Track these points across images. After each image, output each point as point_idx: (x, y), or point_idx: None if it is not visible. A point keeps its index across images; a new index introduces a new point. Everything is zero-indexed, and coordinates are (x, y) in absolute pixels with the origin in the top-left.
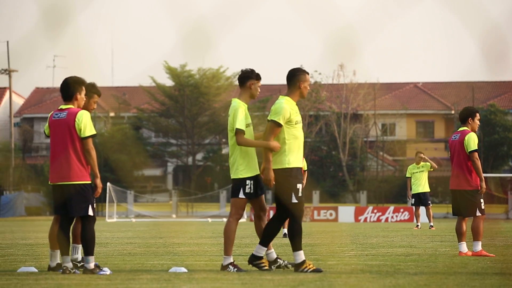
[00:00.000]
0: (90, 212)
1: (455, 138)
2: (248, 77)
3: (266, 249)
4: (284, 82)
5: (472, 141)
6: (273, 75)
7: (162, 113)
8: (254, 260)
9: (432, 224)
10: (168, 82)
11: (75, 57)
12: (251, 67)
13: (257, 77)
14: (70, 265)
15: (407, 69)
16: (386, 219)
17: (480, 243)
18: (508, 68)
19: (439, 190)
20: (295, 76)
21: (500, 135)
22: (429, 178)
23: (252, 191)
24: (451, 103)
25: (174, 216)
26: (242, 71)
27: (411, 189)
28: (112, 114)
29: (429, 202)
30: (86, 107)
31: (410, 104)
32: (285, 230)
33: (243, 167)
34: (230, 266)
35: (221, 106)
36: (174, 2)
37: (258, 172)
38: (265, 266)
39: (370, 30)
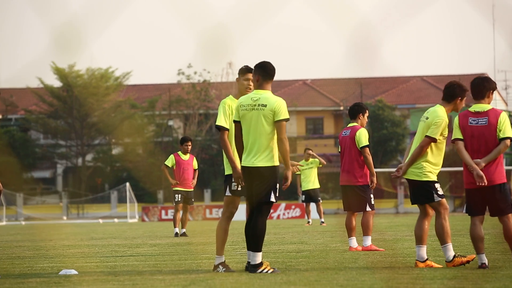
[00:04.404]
0: None
1: (345, 134)
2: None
3: (260, 253)
4: (170, 81)
5: (363, 136)
6: (159, 74)
7: (50, 115)
8: (255, 268)
9: (323, 220)
10: (56, 83)
11: None
12: (134, 66)
13: (242, 71)
14: None
15: (295, 67)
16: (278, 216)
17: (370, 237)
18: (379, 63)
19: (329, 186)
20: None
21: (388, 130)
22: (319, 174)
23: (239, 188)
24: (339, 99)
25: (64, 218)
26: None
27: (301, 185)
28: None
29: (319, 198)
30: None
31: (299, 101)
32: (184, 230)
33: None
34: (220, 266)
35: (110, 106)
36: (46, 3)
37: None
38: (270, 269)
39: (247, 27)
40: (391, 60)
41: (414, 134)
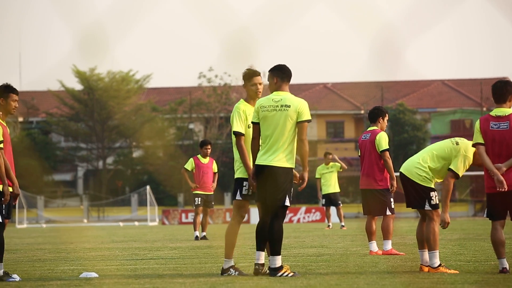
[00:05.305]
0: None
1: (365, 138)
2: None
3: (279, 256)
4: (191, 84)
5: (383, 140)
6: (182, 77)
7: (71, 117)
8: (275, 272)
9: (343, 224)
10: (77, 86)
11: None
12: (155, 69)
13: (248, 77)
14: None
15: (316, 70)
16: (298, 220)
17: (390, 242)
18: (402, 67)
19: (349, 190)
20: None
21: (409, 134)
22: (339, 178)
23: (250, 193)
24: (360, 103)
25: (85, 221)
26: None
27: (321, 189)
28: (20, 119)
29: (339, 202)
30: (6, 109)
31: (320, 105)
32: (204, 233)
33: (241, 166)
34: (231, 269)
35: (131, 109)
36: (71, 7)
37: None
38: (290, 272)
39: (270, 32)
40: (413, 64)
41: (435, 138)
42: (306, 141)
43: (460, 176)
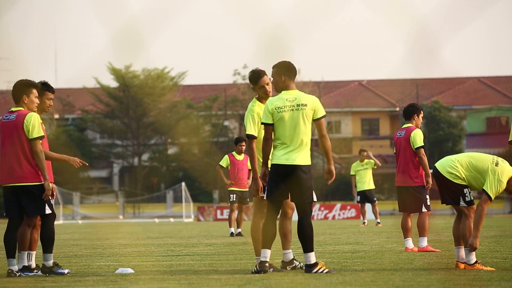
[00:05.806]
0: (47, 211)
1: (400, 135)
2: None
3: (312, 253)
4: (226, 81)
5: (418, 137)
6: (217, 74)
7: (106, 114)
8: (310, 268)
9: (378, 220)
10: (112, 83)
11: (18, 60)
12: (190, 66)
13: (255, 79)
14: (15, 268)
15: (351, 67)
16: (333, 217)
17: (426, 239)
18: (438, 64)
19: (385, 187)
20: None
21: (444, 131)
22: (374, 175)
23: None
24: (395, 100)
25: (121, 217)
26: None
27: (356, 186)
28: (56, 116)
29: (375, 199)
30: (41, 107)
31: (355, 102)
32: (239, 230)
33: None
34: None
35: (166, 106)
36: (107, 4)
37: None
38: (325, 269)
39: (305, 29)
40: (449, 61)
41: (470, 135)
42: (327, 135)
43: (493, 199)
